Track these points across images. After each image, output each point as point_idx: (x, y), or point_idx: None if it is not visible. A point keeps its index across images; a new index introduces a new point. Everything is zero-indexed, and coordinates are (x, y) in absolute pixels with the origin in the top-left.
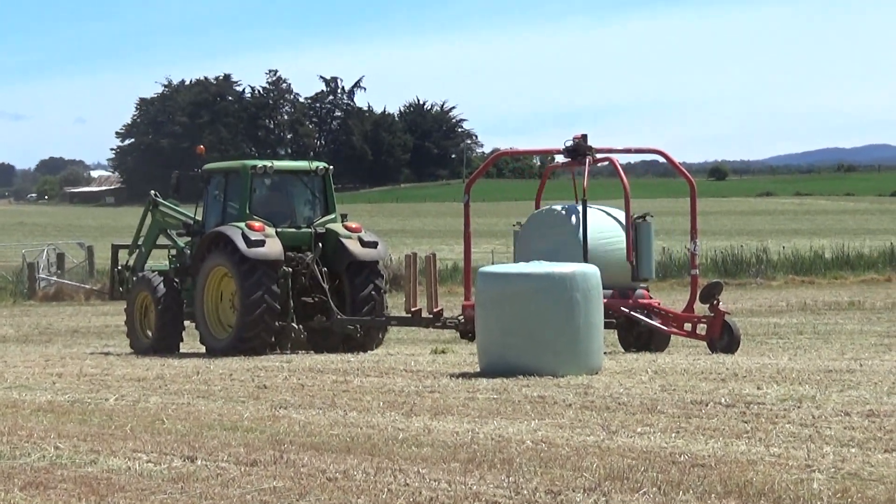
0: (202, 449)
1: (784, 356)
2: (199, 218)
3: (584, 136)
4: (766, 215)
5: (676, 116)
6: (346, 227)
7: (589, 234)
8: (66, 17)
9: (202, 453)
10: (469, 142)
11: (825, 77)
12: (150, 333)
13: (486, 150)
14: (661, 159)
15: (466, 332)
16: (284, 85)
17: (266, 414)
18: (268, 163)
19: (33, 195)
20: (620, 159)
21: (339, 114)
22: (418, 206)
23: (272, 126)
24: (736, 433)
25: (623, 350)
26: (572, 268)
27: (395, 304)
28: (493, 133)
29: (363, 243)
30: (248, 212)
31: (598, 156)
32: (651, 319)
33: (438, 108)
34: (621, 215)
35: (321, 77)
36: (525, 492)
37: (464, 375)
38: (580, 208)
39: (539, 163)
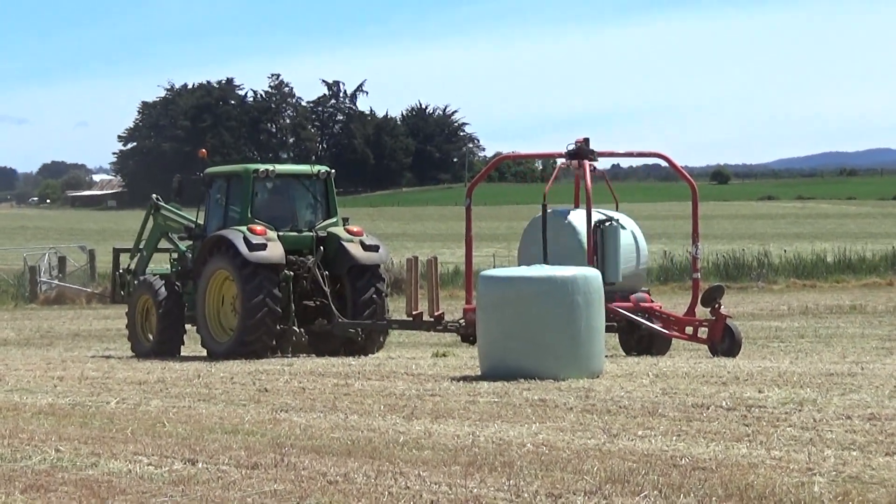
0: (203, 452)
1: (785, 360)
2: (200, 221)
3: (587, 140)
4: (767, 219)
5: (679, 120)
6: (348, 231)
7: (569, 239)
8: (69, 21)
9: (203, 456)
10: (471, 146)
11: (827, 81)
12: (151, 337)
13: (488, 154)
14: (664, 163)
15: (467, 335)
16: (287, 89)
17: (267, 417)
18: (270, 167)
19: (35, 199)
20: (623, 163)
21: (342, 118)
22: (420, 209)
23: (274, 130)
24: (737, 436)
25: (624, 353)
26: (573, 271)
27: (396, 308)
28: (495, 137)
29: (365, 247)
30: (249, 215)
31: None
32: (651, 322)
33: (440, 112)
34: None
35: (323, 81)
36: (526, 495)
37: (465, 379)
38: (574, 212)
39: (541, 167)
